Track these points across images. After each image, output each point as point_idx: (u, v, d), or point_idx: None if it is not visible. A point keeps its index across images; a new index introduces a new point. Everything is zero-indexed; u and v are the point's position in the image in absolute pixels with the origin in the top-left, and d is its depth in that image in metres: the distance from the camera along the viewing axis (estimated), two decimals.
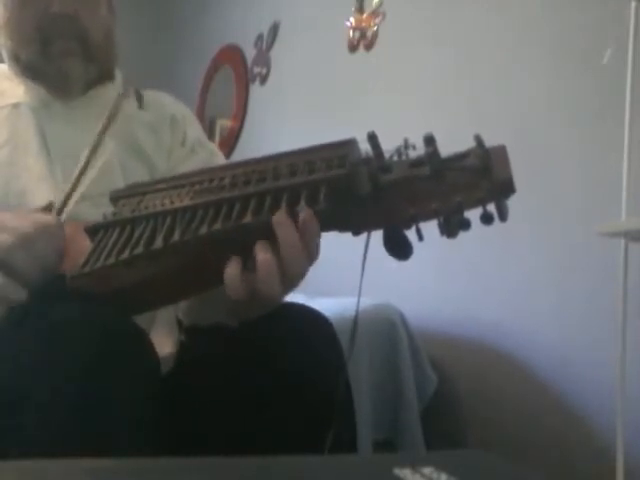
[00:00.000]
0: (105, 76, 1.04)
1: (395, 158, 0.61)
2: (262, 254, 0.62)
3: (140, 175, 0.97)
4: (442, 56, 2.24)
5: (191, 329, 0.94)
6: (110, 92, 1.05)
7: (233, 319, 0.77)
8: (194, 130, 1.09)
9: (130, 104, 1.04)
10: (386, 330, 1.88)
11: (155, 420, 0.68)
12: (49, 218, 0.78)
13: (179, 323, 0.97)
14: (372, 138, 0.61)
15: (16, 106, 0.97)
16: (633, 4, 1.52)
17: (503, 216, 0.59)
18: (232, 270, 0.62)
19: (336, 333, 0.82)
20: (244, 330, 0.77)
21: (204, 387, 0.82)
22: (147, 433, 0.65)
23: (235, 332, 0.78)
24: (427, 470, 0.36)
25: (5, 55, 1.01)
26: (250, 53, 3.28)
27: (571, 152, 1.80)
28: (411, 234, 0.62)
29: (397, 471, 0.36)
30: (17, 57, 0.99)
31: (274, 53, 3.13)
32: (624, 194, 1.47)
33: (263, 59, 3.19)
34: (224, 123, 3.40)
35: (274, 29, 3.12)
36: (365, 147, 0.63)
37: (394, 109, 2.36)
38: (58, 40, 0.96)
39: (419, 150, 0.60)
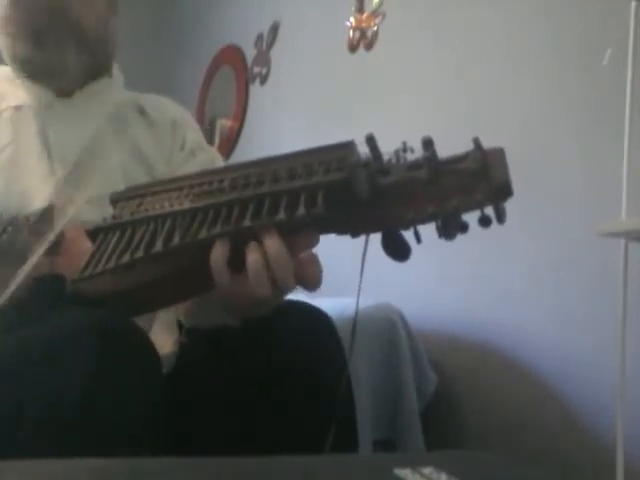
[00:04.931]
0: (102, 69, 1.04)
1: (393, 161, 0.61)
2: (251, 255, 0.62)
3: (140, 178, 0.97)
4: (442, 56, 2.24)
5: (192, 330, 0.94)
6: (109, 89, 1.04)
7: (234, 320, 0.78)
8: (194, 134, 1.09)
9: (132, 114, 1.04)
10: (386, 330, 1.88)
11: (156, 420, 0.68)
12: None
13: (179, 325, 0.97)
14: (370, 140, 0.61)
15: (18, 108, 0.97)
16: (633, 4, 1.52)
17: (501, 219, 0.60)
18: (218, 262, 0.62)
19: (337, 331, 0.82)
20: (245, 329, 0.77)
21: (205, 386, 0.82)
22: (148, 433, 0.66)
23: (236, 331, 0.78)
24: (427, 470, 0.36)
25: (4, 55, 1.01)
26: (250, 53, 3.28)
27: (571, 152, 1.79)
28: (409, 236, 0.62)
29: (397, 471, 0.36)
30: (14, 55, 0.98)
31: (274, 53, 3.13)
32: (624, 194, 1.47)
33: (263, 59, 3.19)
34: (224, 123, 3.39)
35: (274, 29, 3.12)
36: (363, 149, 0.63)
37: (394, 109, 2.36)
38: (50, 32, 0.95)
39: (417, 153, 0.60)
